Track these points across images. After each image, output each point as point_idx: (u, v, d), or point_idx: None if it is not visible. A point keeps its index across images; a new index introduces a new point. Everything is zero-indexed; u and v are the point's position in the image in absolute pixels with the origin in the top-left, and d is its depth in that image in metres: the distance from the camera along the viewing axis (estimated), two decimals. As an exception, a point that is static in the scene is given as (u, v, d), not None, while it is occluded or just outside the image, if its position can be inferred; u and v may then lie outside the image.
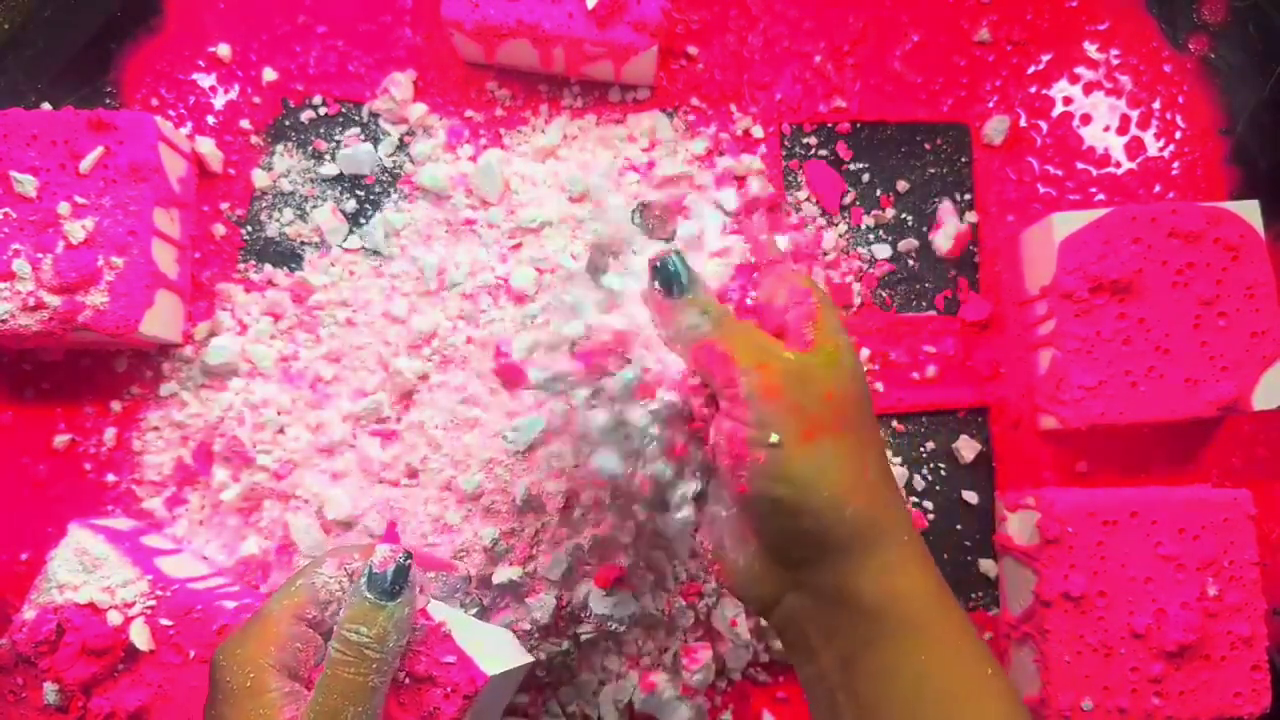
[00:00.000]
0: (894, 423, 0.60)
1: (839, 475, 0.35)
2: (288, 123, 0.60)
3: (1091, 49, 0.62)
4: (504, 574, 0.50)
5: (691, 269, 0.38)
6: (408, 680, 0.40)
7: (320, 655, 0.38)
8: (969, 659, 0.36)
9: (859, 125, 0.61)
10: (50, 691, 0.48)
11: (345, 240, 0.58)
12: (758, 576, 0.38)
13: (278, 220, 0.59)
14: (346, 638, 0.36)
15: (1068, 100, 0.62)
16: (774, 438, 0.34)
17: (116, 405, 0.57)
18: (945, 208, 0.60)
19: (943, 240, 0.60)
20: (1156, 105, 0.62)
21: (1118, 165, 0.61)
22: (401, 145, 0.59)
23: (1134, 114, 0.62)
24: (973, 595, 0.59)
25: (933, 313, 0.60)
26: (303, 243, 0.58)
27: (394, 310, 0.56)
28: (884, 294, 0.60)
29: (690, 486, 0.40)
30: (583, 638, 0.53)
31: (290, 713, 0.35)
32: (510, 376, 0.51)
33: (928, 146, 0.61)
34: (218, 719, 0.36)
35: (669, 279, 0.38)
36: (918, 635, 0.35)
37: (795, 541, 0.36)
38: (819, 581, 0.36)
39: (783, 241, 0.59)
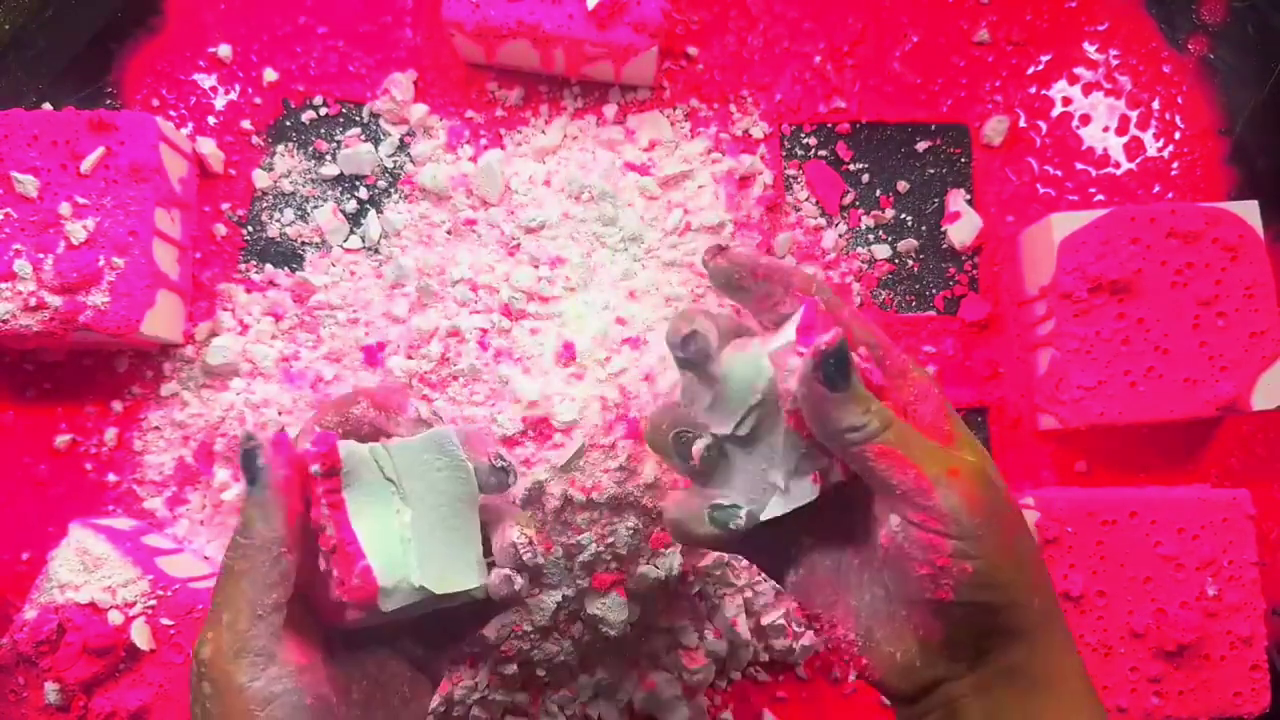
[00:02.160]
0: (894, 423, 0.60)
1: (1030, 570, 0.35)
2: (288, 123, 0.60)
3: (1091, 49, 0.62)
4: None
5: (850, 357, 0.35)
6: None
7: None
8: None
9: (859, 125, 0.61)
10: (51, 691, 0.48)
11: (346, 240, 0.58)
12: (916, 669, 0.36)
13: (278, 220, 0.59)
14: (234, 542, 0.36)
15: (1067, 101, 0.62)
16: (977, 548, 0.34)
17: (118, 405, 0.57)
18: (956, 197, 0.60)
19: (961, 234, 0.60)
20: (1156, 106, 0.62)
21: (1117, 165, 0.61)
22: (402, 146, 0.59)
23: (1133, 114, 0.62)
24: (972, 595, 0.59)
25: (932, 313, 0.60)
26: (303, 243, 0.59)
27: (394, 310, 0.56)
28: (883, 294, 0.60)
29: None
30: (585, 639, 0.53)
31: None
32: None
33: (927, 147, 0.61)
34: (205, 708, 0.35)
35: (837, 371, 0.34)
36: (1080, 706, 0.36)
37: (985, 636, 0.35)
38: (997, 668, 0.35)
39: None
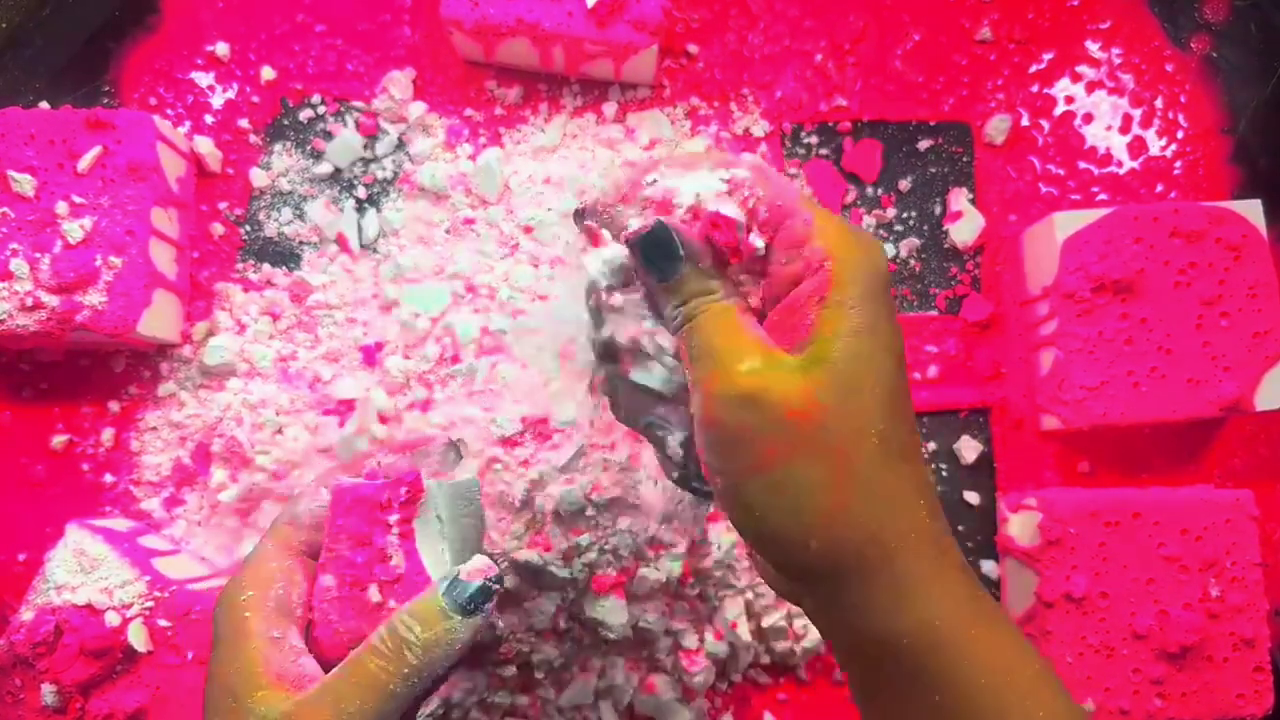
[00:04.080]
0: (895, 423, 0.59)
1: (794, 511, 0.30)
2: (286, 122, 0.59)
3: (1093, 48, 0.62)
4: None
5: (683, 236, 0.32)
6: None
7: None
8: (1004, 690, 0.30)
9: (860, 124, 0.61)
10: (48, 693, 0.48)
11: (351, 238, 0.58)
12: (769, 575, 0.35)
13: (276, 220, 0.58)
14: (396, 627, 0.33)
15: (1069, 99, 0.62)
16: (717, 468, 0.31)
17: (114, 405, 0.56)
18: (958, 196, 0.60)
19: (963, 233, 0.60)
20: (1158, 104, 0.61)
21: (1120, 164, 0.61)
22: (400, 144, 0.59)
23: (1136, 113, 0.61)
24: (974, 596, 0.59)
25: (934, 313, 0.60)
26: (301, 242, 0.58)
27: (393, 310, 0.56)
28: (885, 294, 0.60)
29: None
30: (585, 641, 0.53)
31: (276, 663, 0.33)
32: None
33: (929, 146, 0.61)
34: (210, 666, 0.34)
35: (649, 259, 0.32)
36: (929, 679, 0.30)
37: (773, 562, 0.32)
38: (815, 602, 0.33)
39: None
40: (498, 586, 0.34)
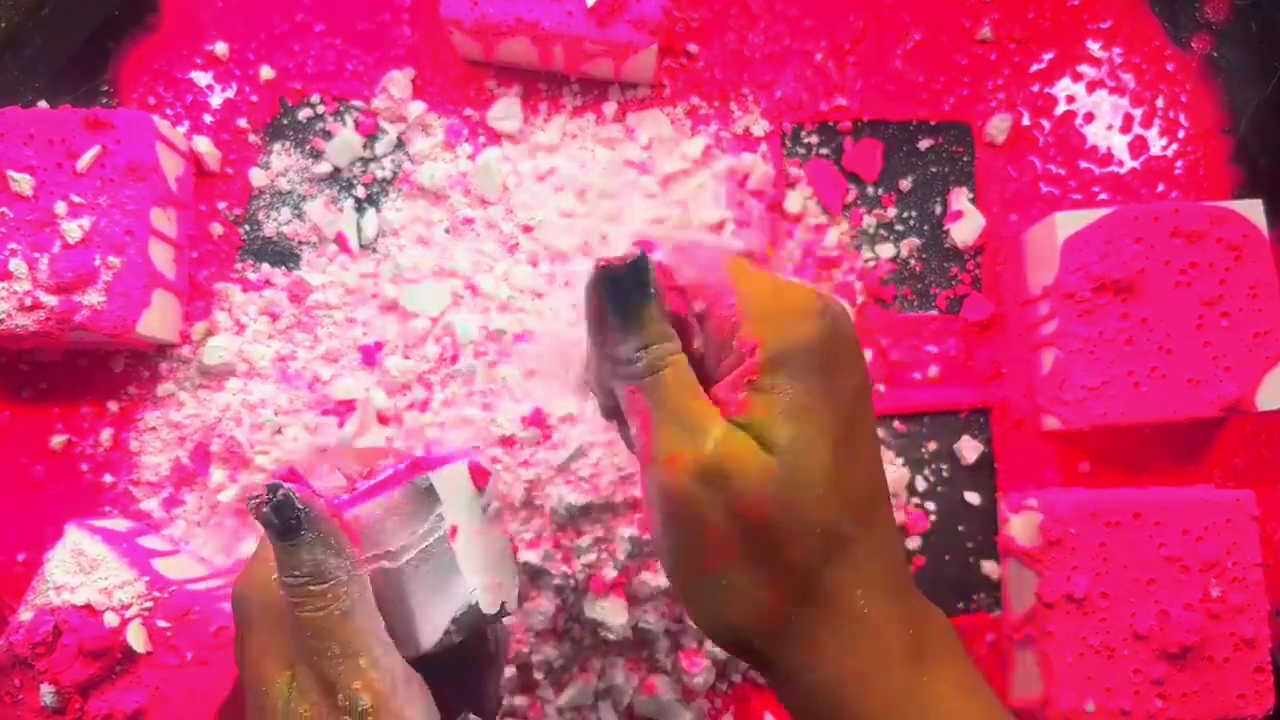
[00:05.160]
0: (895, 423, 0.59)
1: (740, 607, 0.30)
2: (285, 121, 0.59)
3: (1094, 47, 0.62)
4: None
5: (651, 280, 0.30)
6: None
7: None
8: None
9: (860, 124, 0.61)
10: (47, 693, 0.48)
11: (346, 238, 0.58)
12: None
13: (275, 219, 0.58)
14: (287, 583, 0.31)
15: (1070, 99, 0.61)
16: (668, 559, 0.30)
17: (113, 405, 0.56)
18: (958, 195, 0.60)
19: (964, 233, 0.59)
20: (1159, 104, 0.61)
21: (1120, 164, 0.61)
22: (400, 144, 0.59)
23: (1137, 113, 0.61)
24: (975, 597, 0.58)
25: (934, 312, 0.60)
26: (300, 242, 0.58)
27: (392, 310, 0.56)
28: (885, 293, 0.60)
29: None
30: (585, 642, 0.53)
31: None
32: None
33: (929, 145, 0.61)
34: (245, 652, 0.33)
35: (620, 293, 0.30)
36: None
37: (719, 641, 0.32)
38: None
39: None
40: (284, 493, 0.31)
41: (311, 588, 0.31)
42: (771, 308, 0.31)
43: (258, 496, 0.32)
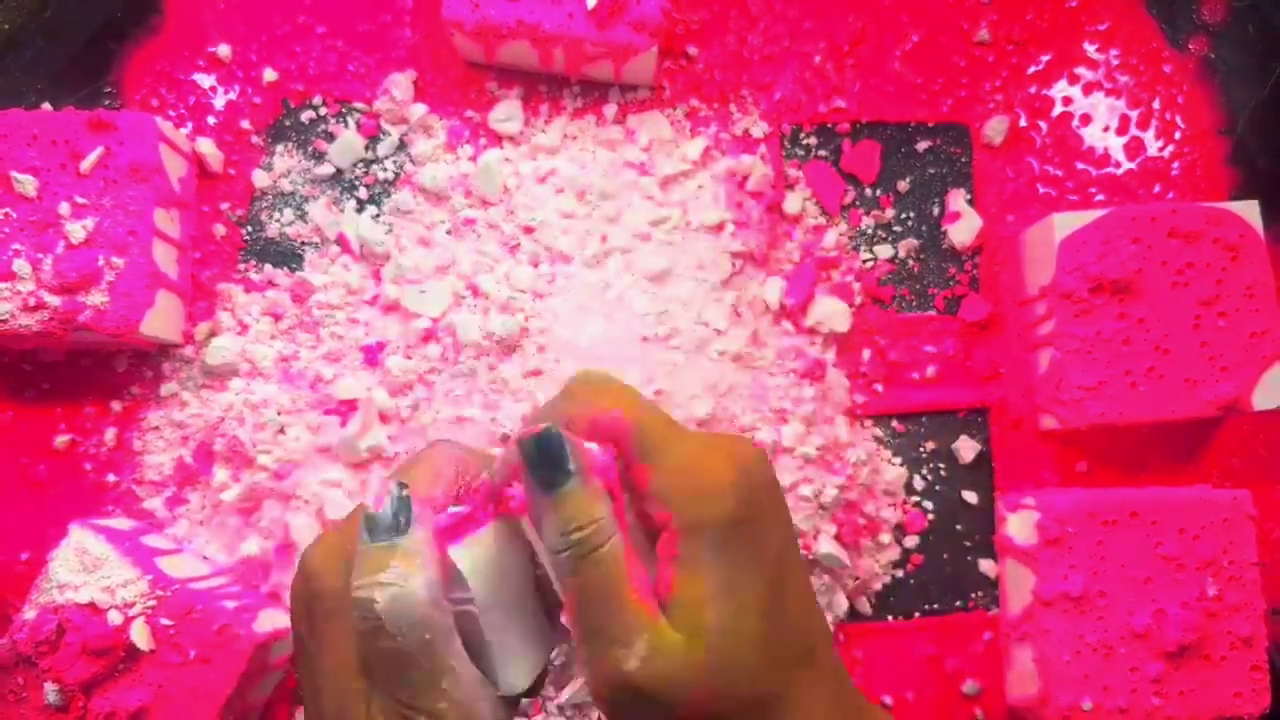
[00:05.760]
0: (893, 423, 0.60)
1: None
2: (288, 123, 0.60)
3: (1091, 49, 0.62)
4: None
5: (577, 449, 0.28)
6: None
7: None
8: None
9: (859, 125, 0.61)
10: (51, 691, 0.48)
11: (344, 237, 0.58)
12: None
13: (278, 220, 0.59)
14: (360, 600, 0.28)
15: (1067, 100, 0.62)
16: None
17: (117, 405, 0.57)
18: (956, 197, 0.60)
19: (961, 234, 0.60)
20: (1156, 105, 0.62)
21: (1117, 165, 0.61)
22: (402, 145, 0.59)
23: (1134, 114, 0.62)
24: (973, 595, 0.59)
25: (932, 313, 0.60)
26: (303, 243, 0.58)
27: (394, 311, 0.56)
28: (884, 294, 0.60)
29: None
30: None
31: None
32: None
33: (927, 146, 0.61)
34: (315, 658, 0.30)
35: (545, 464, 0.28)
36: None
37: None
38: None
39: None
40: (406, 491, 0.30)
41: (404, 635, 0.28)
42: (685, 474, 0.30)
43: (380, 490, 0.29)
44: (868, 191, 0.61)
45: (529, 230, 0.57)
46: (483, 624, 0.31)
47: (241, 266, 0.58)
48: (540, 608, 0.33)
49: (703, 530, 0.29)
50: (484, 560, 0.31)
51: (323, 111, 0.60)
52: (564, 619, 0.30)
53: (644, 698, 0.28)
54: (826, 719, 0.31)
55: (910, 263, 0.61)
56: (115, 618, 0.48)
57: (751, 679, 0.29)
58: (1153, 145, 0.61)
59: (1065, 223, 0.55)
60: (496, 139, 0.59)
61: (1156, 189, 0.61)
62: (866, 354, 0.60)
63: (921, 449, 0.59)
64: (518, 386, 0.55)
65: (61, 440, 0.56)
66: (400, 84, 0.59)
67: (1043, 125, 0.62)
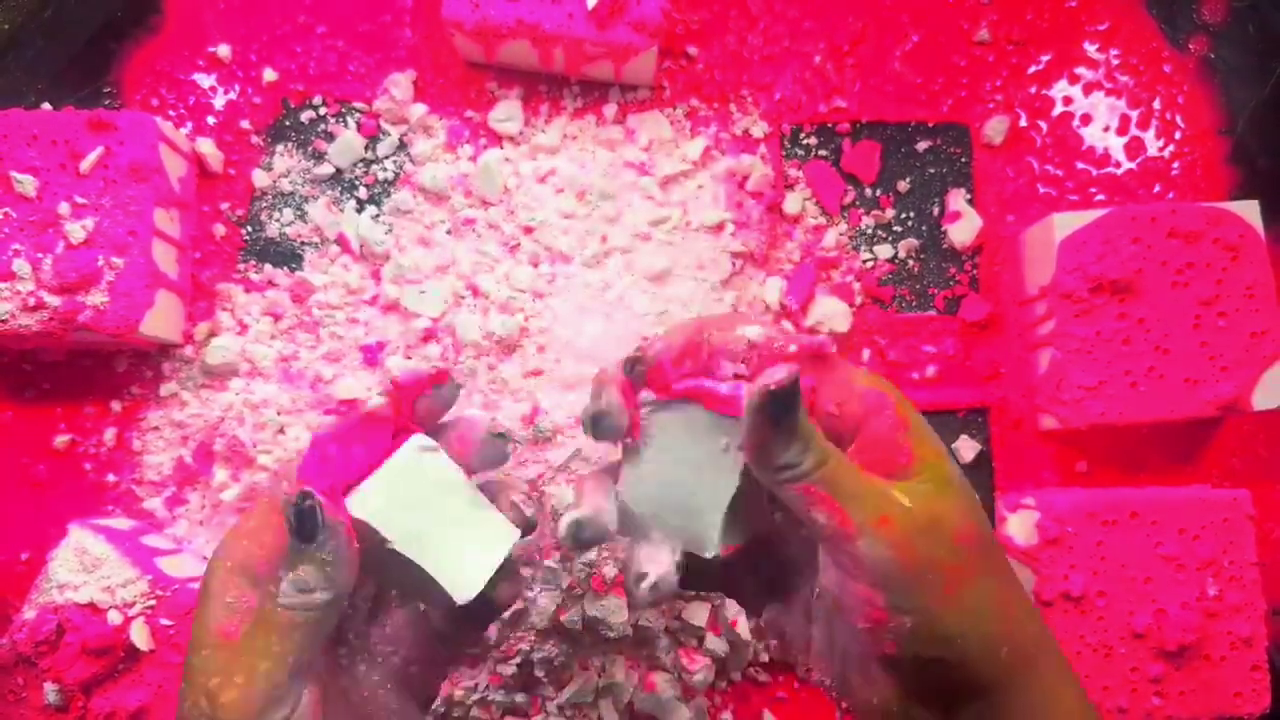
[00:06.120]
0: (894, 423, 0.60)
1: (989, 621, 0.32)
2: (288, 123, 0.60)
3: (1091, 49, 0.62)
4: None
5: (802, 392, 0.32)
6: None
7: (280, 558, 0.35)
8: None
9: (859, 125, 0.61)
10: (50, 691, 0.48)
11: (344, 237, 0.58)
12: (894, 714, 0.34)
13: (278, 220, 0.59)
14: (281, 578, 0.33)
15: (1068, 100, 0.62)
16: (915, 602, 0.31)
17: (117, 405, 0.57)
18: (956, 197, 0.60)
19: (961, 234, 0.60)
20: (1156, 105, 0.62)
21: (1117, 165, 0.61)
22: (401, 145, 0.59)
23: (1134, 114, 0.62)
24: (972, 595, 0.59)
25: (932, 313, 0.60)
26: (303, 243, 0.58)
27: (394, 311, 0.56)
28: (884, 294, 0.60)
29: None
30: (585, 640, 0.53)
31: (227, 624, 0.33)
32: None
33: (928, 146, 0.61)
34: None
35: (783, 408, 0.31)
36: None
37: (946, 690, 0.33)
38: (970, 716, 0.33)
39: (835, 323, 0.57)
40: (308, 503, 0.33)
41: (285, 586, 0.33)
42: (873, 373, 0.36)
43: (287, 495, 0.33)
44: (868, 191, 0.61)
45: (529, 230, 0.57)
46: (406, 554, 0.35)
47: (241, 266, 0.58)
48: (483, 515, 0.38)
49: (911, 407, 0.34)
50: (384, 502, 0.36)
51: (323, 111, 0.60)
52: (810, 514, 0.32)
53: (930, 530, 0.31)
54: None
55: (910, 263, 0.61)
56: (115, 618, 0.48)
57: (988, 524, 0.33)
58: (1153, 145, 0.61)
59: (1065, 222, 0.55)
60: (496, 139, 0.59)
61: (1157, 189, 0.61)
62: (866, 354, 0.60)
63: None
64: (517, 386, 0.55)
65: (61, 440, 0.56)
66: (400, 84, 0.59)
67: (1043, 125, 0.62)
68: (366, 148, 0.59)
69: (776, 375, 0.31)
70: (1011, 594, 0.33)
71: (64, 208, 0.52)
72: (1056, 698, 0.33)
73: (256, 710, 0.32)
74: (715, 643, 0.54)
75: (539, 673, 0.53)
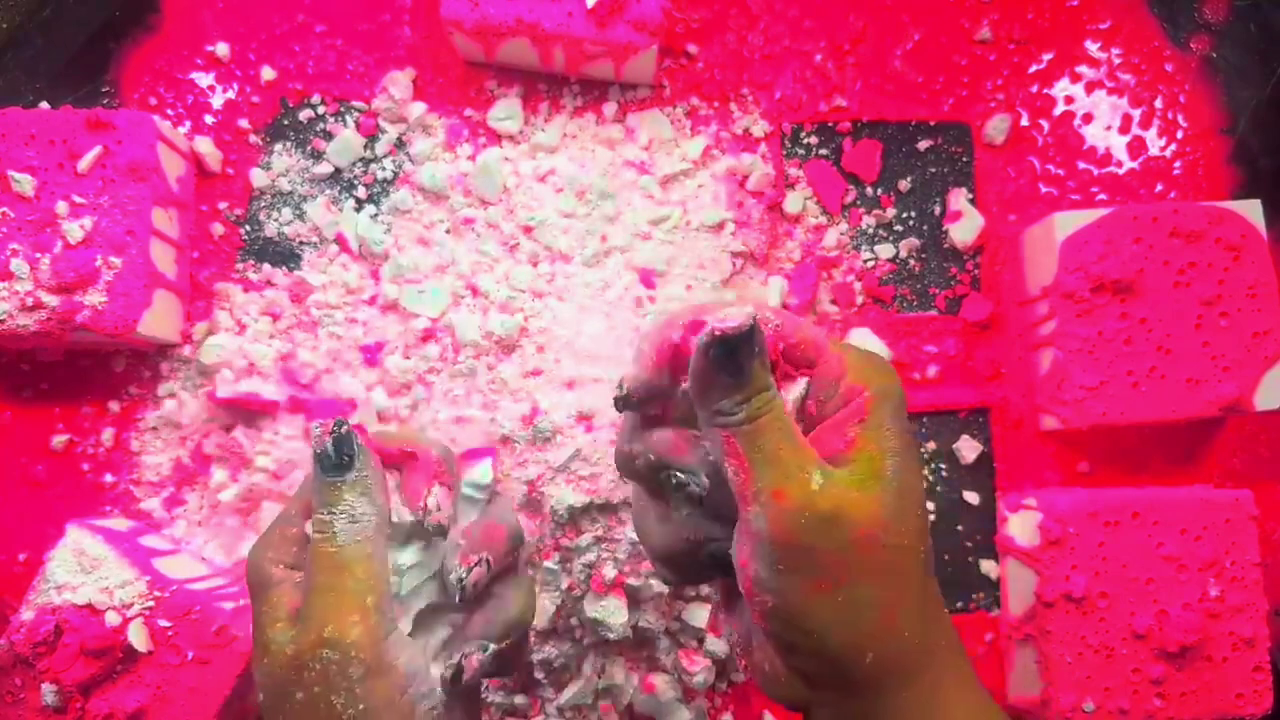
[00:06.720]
0: (895, 423, 0.59)
1: (856, 626, 0.31)
2: (286, 122, 0.59)
3: (1093, 48, 0.62)
4: None
5: (759, 341, 0.32)
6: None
7: None
8: None
9: (860, 124, 0.61)
10: (48, 692, 0.48)
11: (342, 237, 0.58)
12: (783, 684, 0.34)
13: (276, 220, 0.59)
14: (319, 518, 0.36)
15: (1069, 99, 0.62)
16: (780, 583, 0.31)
17: (115, 405, 0.56)
18: (957, 196, 0.60)
19: (963, 233, 0.60)
20: (1158, 104, 0.61)
21: (1119, 164, 0.61)
22: (400, 144, 0.59)
23: (1135, 113, 0.61)
24: (974, 596, 0.59)
25: (934, 313, 0.60)
26: (301, 242, 0.58)
27: (393, 310, 0.56)
28: (885, 294, 0.60)
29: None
30: (585, 641, 0.53)
31: (296, 600, 0.36)
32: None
33: (929, 146, 0.61)
34: (253, 616, 0.37)
35: (728, 353, 0.31)
36: None
37: (815, 675, 0.33)
38: (841, 712, 0.33)
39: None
40: (345, 429, 0.36)
41: (338, 525, 0.35)
42: (869, 362, 0.35)
43: (322, 425, 0.36)
44: (869, 191, 0.61)
45: (528, 230, 0.57)
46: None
47: (240, 266, 0.58)
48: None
49: (890, 398, 0.33)
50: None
51: (321, 110, 0.59)
52: (725, 464, 0.32)
53: (825, 520, 0.30)
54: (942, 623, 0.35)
55: (911, 262, 0.60)
56: (113, 618, 0.48)
57: (918, 523, 0.32)
58: (1155, 144, 0.61)
59: (1067, 222, 0.55)
60: (496, 138, 0.59)
61: (1158, 188, 0.61)
62: (867, 354, 0.59)
63: (923, 449, 0.59)
64: (517, 386, 0.54)
65: (59, 440, 0.56)
66: (399, 83, 0.59)
67: (1044, 124, 0.61)
68: (365, 147, 0.59)
69: (729, 321, 0.31)
70: (902, 604, 0.32)
71: (62, 207, 0.52)
72: (935, 714, 0.33)
73: (379, 638, 0.35)
74: (715, 644, 0.54)
75: (539, 674, 0.53)
